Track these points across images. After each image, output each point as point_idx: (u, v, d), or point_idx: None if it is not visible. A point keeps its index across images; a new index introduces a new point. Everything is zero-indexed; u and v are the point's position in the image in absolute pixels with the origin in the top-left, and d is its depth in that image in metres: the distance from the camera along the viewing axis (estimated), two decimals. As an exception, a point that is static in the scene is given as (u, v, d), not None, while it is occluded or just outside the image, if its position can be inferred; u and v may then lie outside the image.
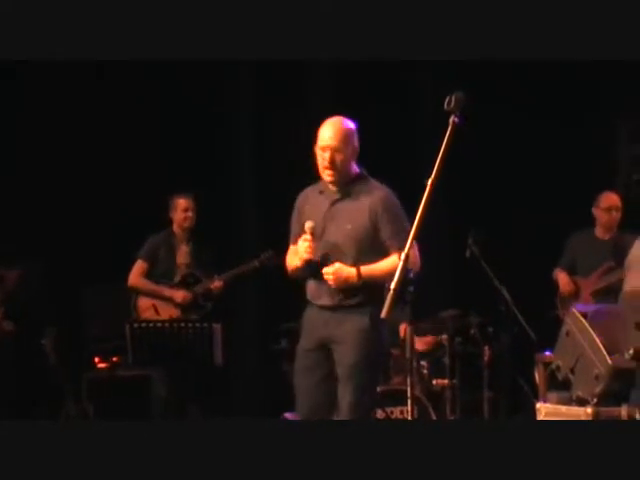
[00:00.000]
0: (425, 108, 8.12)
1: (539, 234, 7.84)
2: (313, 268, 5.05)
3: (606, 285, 7.12)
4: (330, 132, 5.09)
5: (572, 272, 7.46)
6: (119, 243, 7.40)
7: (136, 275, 7.25)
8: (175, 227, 7.39)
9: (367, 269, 5.05)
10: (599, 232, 7.45)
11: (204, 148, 8.08)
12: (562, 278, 7.44)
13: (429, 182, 4.28)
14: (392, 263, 4.90)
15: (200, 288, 7.27)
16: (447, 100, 4.29)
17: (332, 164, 5.06)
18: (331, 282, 5.03)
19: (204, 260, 7.34)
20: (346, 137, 5.10)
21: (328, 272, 5.03)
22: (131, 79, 7.79)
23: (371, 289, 5.02)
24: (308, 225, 5.05)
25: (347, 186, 5.14)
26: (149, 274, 7.27)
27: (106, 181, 7.85)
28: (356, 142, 5.15)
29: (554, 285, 7.47)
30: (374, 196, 5.12)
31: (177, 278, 7.29)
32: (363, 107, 7.05)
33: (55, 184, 7.77)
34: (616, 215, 7.35)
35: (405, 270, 4.31)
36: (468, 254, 6.91)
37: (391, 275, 4.84)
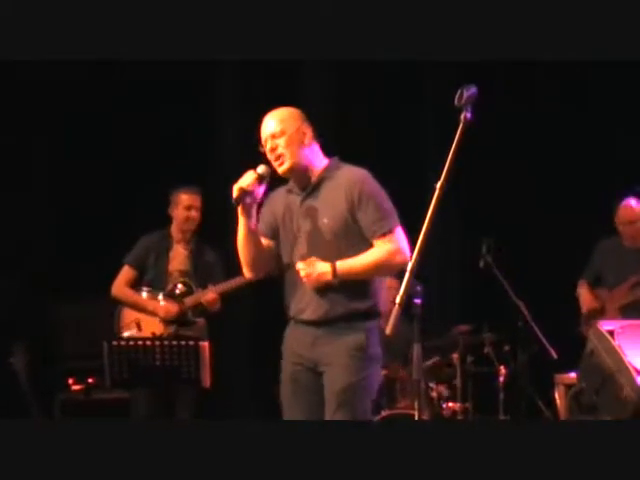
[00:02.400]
0: (429, 107, 7.93)
1: (561, 242, 7.51)
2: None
3: (635, 299, 6.73)
4: (265, 122, 4.62)
5: (598, 284, 7.05)
6: (98, 251, 6.90)
7: (120, 284, 6.53)
8: (173, 227, 6.62)
9: (344, 264, 4.47)
10: (626, 241, 6.97)
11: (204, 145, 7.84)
12: (584, 295, 7.03)
13: (438, 185, 3.88)
14: (375, 255, 4.47)
15: (191, 301, 6.52)
16: (457, 95, 3.92)
17: (274, 152, 4.56)
18: (305, 279, 4.49)
19: (206, 267, 6.60)
20: (284, 120, 4.60)
21: (301, 267, 4.50)
22: (121, 80, 7.58)
23: (362, 296, 4.51)
24: (262, 168, 4.52)
25: (314, 177, 4.62)
26: (138, 281, 6.55)
27: (84, 191, 7.55)
28: (304, 124, 4.63)
29: (578, 299, 7.09)
30: (347, 179, 4.59)
31: (168, 288, 6.53)
32: (363, 107, 7.05)
33: (29, 192, 7.55)
34: (633, 227, 6.86)
35: (411, 282, 3.85)
36: (482, 264, 6.62)
37: (377, 270, 4.52)
